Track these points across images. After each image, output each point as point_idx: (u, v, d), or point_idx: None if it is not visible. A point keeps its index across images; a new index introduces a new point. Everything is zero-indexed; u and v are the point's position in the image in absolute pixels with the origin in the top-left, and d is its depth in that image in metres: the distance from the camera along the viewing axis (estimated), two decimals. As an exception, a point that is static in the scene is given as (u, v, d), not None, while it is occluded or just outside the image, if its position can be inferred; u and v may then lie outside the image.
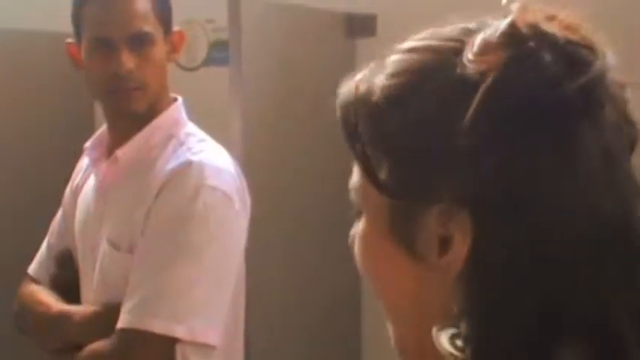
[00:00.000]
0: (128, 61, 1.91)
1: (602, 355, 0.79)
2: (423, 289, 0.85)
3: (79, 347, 1.91)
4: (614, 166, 0.80)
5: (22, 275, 2.20)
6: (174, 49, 2.03)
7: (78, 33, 1.99)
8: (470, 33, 0.84)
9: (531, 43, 0.79)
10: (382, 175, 0.83)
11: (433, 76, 0.82)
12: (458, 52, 0.82)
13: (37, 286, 2.15)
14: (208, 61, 3.66)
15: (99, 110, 2.49)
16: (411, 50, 0.86)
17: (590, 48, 0.80)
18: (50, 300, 2.06)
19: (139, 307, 1.82)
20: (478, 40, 0.82)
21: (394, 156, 0.83)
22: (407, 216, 0.83)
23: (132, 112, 1.97)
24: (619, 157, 0.81)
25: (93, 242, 2.02)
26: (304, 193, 3.22)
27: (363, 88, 0.86)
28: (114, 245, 1.94)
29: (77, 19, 1.98)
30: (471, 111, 0.78)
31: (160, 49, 1.96)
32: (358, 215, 0.90)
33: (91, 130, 3.92)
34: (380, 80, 0.85)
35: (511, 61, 0.79)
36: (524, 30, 0.80)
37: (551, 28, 0.80)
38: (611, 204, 0.79)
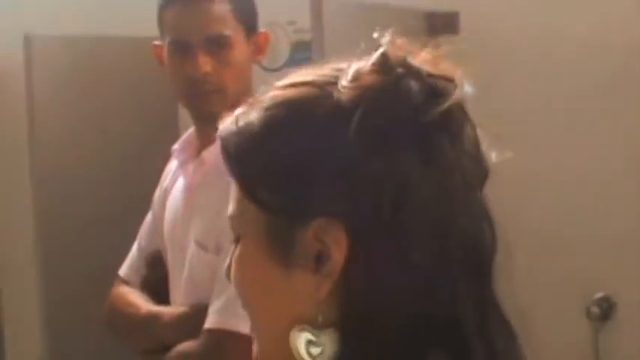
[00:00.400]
0: (205, 64, 1.93)
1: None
2: (297, 304, 0.88)
3: (168, 348, 1.93)
4: (469, 190, 0.89)
5: (113, 277, 2.23)
6: (258, 51, 2.03)
7: (162, 36, 2.02)
8: (342, 70, 0.91)
9: (400, 71, 0.89)
10: (262, 194, 0.89)
11: (310, 104, 0.89)
12: (333, 83, 0.90)
13: (128, 287, 2.17)
14: (290, 62, 3.69)
15: (182, 112, 2.50)
16: (287, 86, 0.93)
17: (449, 80, 0.90)
18: (140, 301, 2.09)
19: (225, 307, 1.82)
20: (352, 69, 0.90)
21: (273, 177, 0.89)
22: (285, 232, 0.88)
23: (211, 114, 1.96)
24: (473, 184, 0.90)
25: (181, 243, 2.03)
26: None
27: (242, 120, 0.93)
28: (201, 246, 1.95)
29: (160, 22, 2.01)
30: (345, 133, 0.85)
31: (240, 52, 1.97)
32: (235, 242, 0.94)
33: (175, 133, 3.98)
34: (258, 113, 0.92)
35: (382, 86, 0.88)
36: (394, 60, 0.90)
37: (415, 61, 0.90)
38: (467, 221, 0.88)
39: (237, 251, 0.94)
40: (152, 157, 3.94)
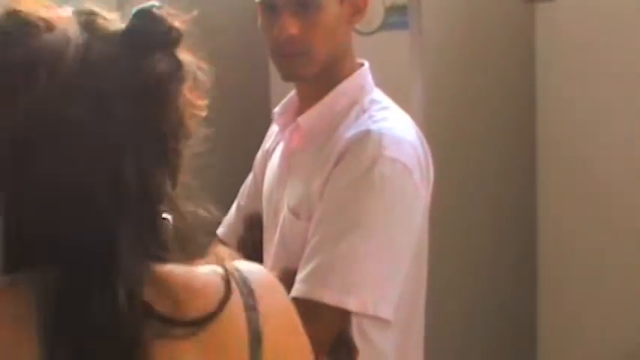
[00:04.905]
0: (290, 26, 1.87)
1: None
2: None
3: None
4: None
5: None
6: (356, 12, 1.95)
7: None
8: None
9: None
10: None
11: None
12: None
13: (224, 247, 2.15)
14: (384, 26, 3.64)
15: (275, 74, 2.46)
16: None
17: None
18: None
19: (311, 276, 1.79)
20: None
21: None
22: None
23: (297, 77, 1.96)
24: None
25: (276, 208, 2.01)
26: (486, 163, 3.17)
27: None
28: (294, 213, 1.92)
29: None
30: None
31: (330, 13, 1.90)
32: None
33: (266, 97, 3.97)
34: None
35: None
36: None
37: None
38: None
39: None
40: (245, 117, 3.97)
